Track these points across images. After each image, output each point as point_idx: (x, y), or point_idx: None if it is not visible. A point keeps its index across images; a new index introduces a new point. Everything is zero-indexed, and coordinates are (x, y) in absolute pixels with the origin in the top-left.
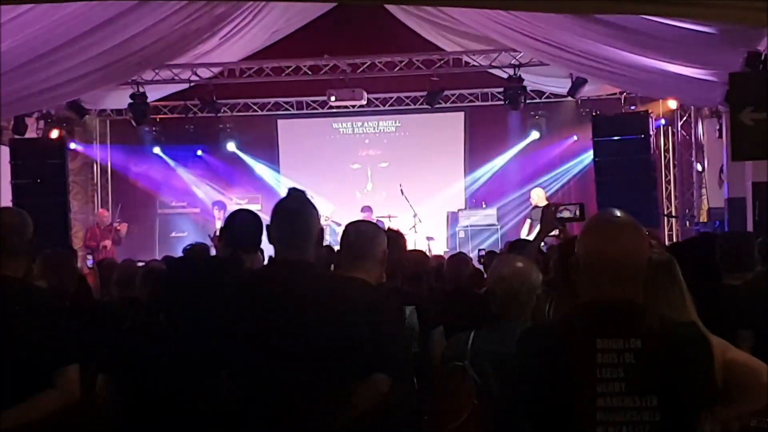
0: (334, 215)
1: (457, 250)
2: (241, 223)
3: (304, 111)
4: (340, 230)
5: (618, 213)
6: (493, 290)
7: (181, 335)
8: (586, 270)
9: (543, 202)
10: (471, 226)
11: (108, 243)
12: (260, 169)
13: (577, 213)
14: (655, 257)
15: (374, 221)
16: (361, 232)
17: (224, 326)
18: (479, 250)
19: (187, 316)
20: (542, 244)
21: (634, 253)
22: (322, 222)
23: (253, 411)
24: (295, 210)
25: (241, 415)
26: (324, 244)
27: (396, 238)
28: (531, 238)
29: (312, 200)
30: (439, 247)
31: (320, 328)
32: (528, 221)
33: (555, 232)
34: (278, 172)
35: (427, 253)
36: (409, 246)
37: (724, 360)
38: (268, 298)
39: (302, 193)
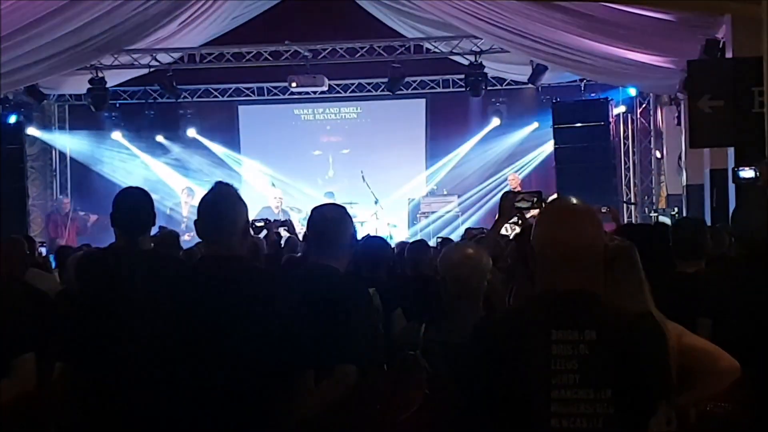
0: (292, 202)
1: (419, 238)
2: (128, 204)
3: (265, 97)
4: (296, 216)
5: (574, 200)
6: (444, 277)
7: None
8: (542, 259)
9: (514, 185)
10: (432, 213)
11: (70, 233)
12: (221, 155)
13: (535, 201)
14: (614, 244)
15: None
16: (327, 219)
17: (151, 327)
18: (437, 237)
19: (116, 311)
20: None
21: (590, 241)
22: (274, 205)
23: (183, 413)
24: (220, 204)
25: (176, 415)
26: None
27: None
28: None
29: (236, 192)
30: (401, 234)
31: (246, 325)
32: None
33: (514, 220)
34: (239, 158)
35: (389, 240)
36: (371, 232)
37: (680, 345)
38: (195, 296)
39: (227, 186)
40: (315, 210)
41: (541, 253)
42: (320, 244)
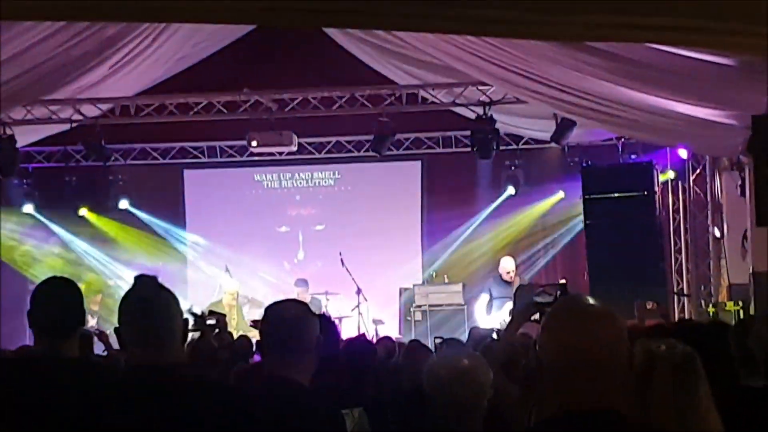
0: (251, 292)
1: (413, 337)
2: (51, 300)
3: (218, 159)
4: (252, 312)
5: (589, 300)
6: (431, 397)
7: None
8: (551, 372)
9: (510, 274)
10: (430, 306)
11: None
12: (162, 233)
13: (559, 295)
14: (668, 352)
15: (308, 299)
16: (284, 319)
17: None
18: (437, 338)
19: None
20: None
21: (611, 349)
22: (227, 302)
23: None
24: (147, 302)
25: None
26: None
27: (327, 325)
28: (490, 318)
29: (165, 287)
30: (390, 333)
31: None
32: (484, 297)
33: (535, 317)
34: (184, 235)
35: (374, 339)
36: (353, 332)
37: None
38: (135, 417)
39: (152, 279)
40: (270, 309)
41: (551, 365)
42: (278, 350)
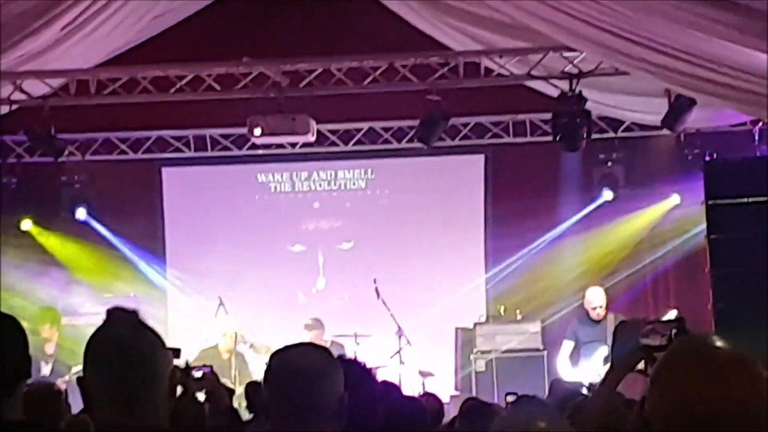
0: (252, 336)
1: (473, 395)
2: None
3: (209, 153)
4: (255, 362)
5: (716, 341)
6: None
7: None
8: None
9: (599, 311)
10: (497, 352)
11: None
12: (132, 253)
13: (674, 335)
14: None
15: (327, 344)
16: (295, 372)
17: None
18: (508, 394)
19: None
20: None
21: (747, 409)
22: (224, 347)
23: None
24: (124, 345)
25: None
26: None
27: (360, 374)
28: (578, 372)
29: (149, 326)
30: (442, 389)
31: None
32: (568, 345)
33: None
34: (162, 258)
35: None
36: (393, 385)
37: None
38: None
39: (131, 314)
40: (276, 358)
41: (666, 425)
42: (286, 416)
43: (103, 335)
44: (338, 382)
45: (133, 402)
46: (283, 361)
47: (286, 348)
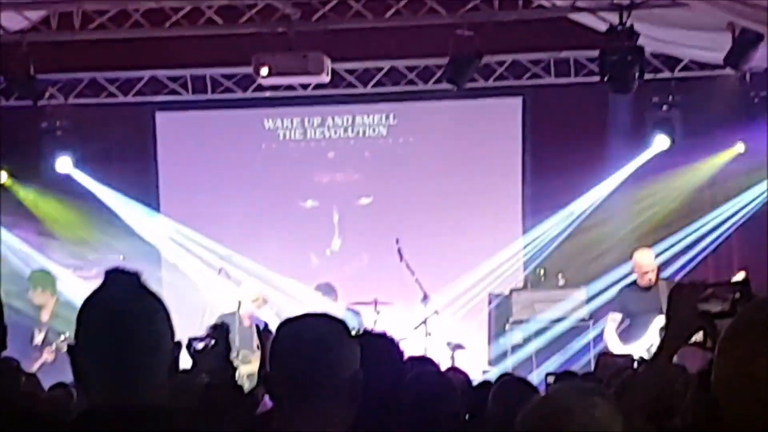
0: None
1: (509, 369)
2: None
3: (209, 96)
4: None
5: None
6: None
7: None
8: (738, 420)
9: (650, 275)
10: (536, 322)
11: None
12: (122, 210)
13: (737, 299)
14: None
15: (341, 312)
16: (299, 348)
17: None
18: (549, 374)
19: None
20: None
21: None
22: (246, 312)
23: None
24: (122, 311)
25: None
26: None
27: (384, 348)
28: (629, 348)
29: (150, 290)
30: (473, 364)
31: None
32: (614, 317)
33: (697, 337)
34: (156, 211)
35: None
36: (417, 358)
37: None
38: None
39: (131, 277)
40: (282, 330)
41: (734, 409)
42: (293, 394)
43: (98, 299)
44: (351, 357)
45: (129, 375)
46: (286, 334)
47: (290, 320)
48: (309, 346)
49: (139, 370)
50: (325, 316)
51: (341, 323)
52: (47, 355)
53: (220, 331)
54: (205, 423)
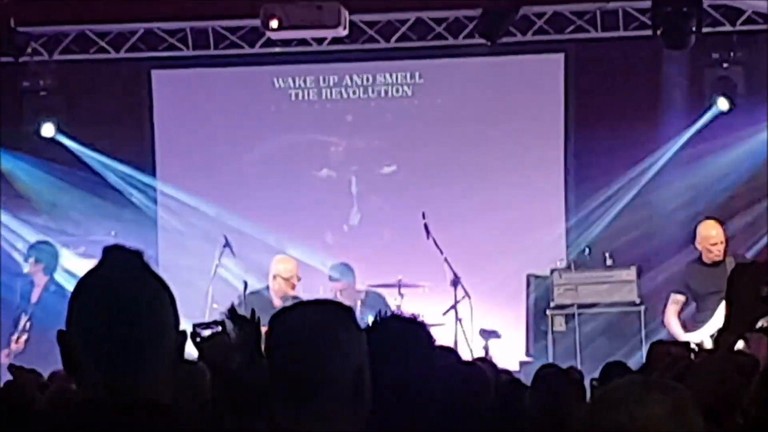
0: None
1: (550, 360)
2: None
3: (211, 51)
4: None
5: None
6: None
7: None
8: None
9: (718, 248)
10: (581, 306)
11: None
12: (113, 179)
13: None
14: None
15: (358, 299)
16: (293, 342)
17: None
18: (594, 380)
19: None
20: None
21: None
22: (279, 291)
23: None
24: (122, 293)
25: None
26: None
27: (414, 335)
28: (697, 337)
29: (153, 270)
30: (510, 353)
31: None
32: (677, 299)
33: (762, 323)
34: (153, 179)
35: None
36: (448, 349)
37: None
38: None
39: (133, 255)
40: (276, 321)
41: None
42: (289, 395)
43: (94, 280)
44: (355, 350)
45: (128, 367)
46: (280, 327)
47: (285, 310)
48: (303, 341)
49: (139, 361)
50: (324, 305)
51: (344, 312)
52: (14, 345)
53: (239, 315)
54: (209, 421)
